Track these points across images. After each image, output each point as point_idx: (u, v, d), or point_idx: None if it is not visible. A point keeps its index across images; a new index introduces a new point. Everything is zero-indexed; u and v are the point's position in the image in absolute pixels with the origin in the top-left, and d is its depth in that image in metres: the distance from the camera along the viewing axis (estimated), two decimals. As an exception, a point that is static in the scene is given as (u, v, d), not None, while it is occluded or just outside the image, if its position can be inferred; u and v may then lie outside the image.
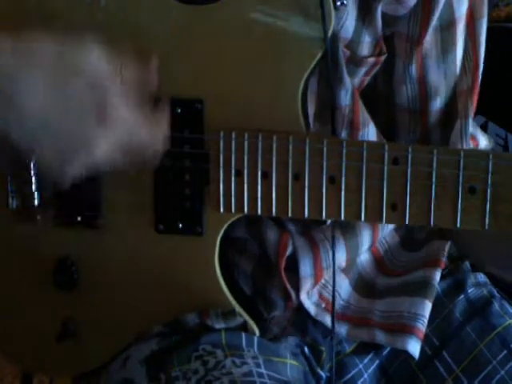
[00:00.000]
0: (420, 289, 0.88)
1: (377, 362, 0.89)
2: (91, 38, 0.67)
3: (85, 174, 0.69)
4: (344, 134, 0.84)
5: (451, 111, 0.89)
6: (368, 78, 0.88)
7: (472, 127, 0.89)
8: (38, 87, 0.65)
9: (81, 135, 0.67)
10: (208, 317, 0.80)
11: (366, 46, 0.84)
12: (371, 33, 0.83)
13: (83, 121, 0.66)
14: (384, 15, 0.83)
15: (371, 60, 0.85)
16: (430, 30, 0.84)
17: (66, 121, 0.66)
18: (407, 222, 0.73)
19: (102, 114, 0.66)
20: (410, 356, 0.84)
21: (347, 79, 0.82)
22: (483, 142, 0.91)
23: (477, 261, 0.95)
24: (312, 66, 0.75)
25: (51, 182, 0.71)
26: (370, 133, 0.86)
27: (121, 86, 0.68)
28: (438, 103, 0.88)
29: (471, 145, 0.89)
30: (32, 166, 0.82)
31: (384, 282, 0.92)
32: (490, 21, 0.89)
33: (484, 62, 0.89)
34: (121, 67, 0.68)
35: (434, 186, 0.71)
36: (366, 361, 0.89)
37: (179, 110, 0.77)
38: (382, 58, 0.86)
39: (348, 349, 0.89)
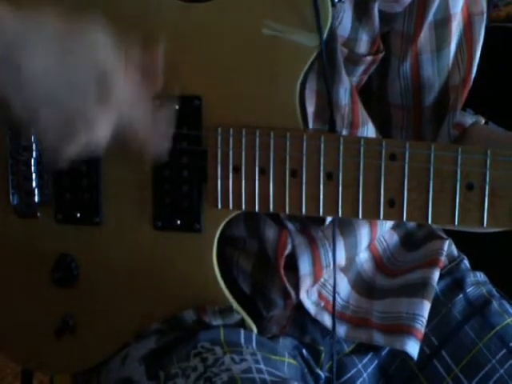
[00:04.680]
0: (419, 289, 0.88)
1: (376, 361, 0.89)
2: (99, 19, 0.67)
3: (83, 153, 0.68)
4: (344, 133, 0.83)
5: (443, 105, 0.89)
6: (366, 77, 0.88)
7: (460, 116, 0.89)
8: (42, 59, 0.65)
9: (81, 111, 0.67)
10: (205, 313, 0.79)
11: (363, 44, 0.84)
12: (368, 31, 0.83)
13: (85, 97, 0.66)
14: (380, 13, 0.83)
15: (369, 58, 0.85)
16: (425, 27, 0.84)
17: (67, 95, 0.66)
18: (405, 219, 0.72)
19: (105, 92, 0.66)
20: (408, 356, 0.84)
21: (346, 78, 0.82)
22: (469, 121, 0.90)
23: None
24: (309, 63, 0.74)
25: (49, 161, 0.70)
26: (369, 131, 0.86)
27: (126, 67, 0.68)
28: (431, 98, 0.89)
29: (456, 132, 0.88)
30: (32, 161, 0.83)
31: (383, 282, 0.92)
32: (490, 21, 0.88)
33: (484, 62, 0.88)
34: (126, 49, 0.68)
35: (431, 183, 0.71)
36: (365, 361, 0.88)
37: (177, 107, 0.77)
38: (380, 55, 0.86)
39: (347, 349, 0.89)
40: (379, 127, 0.90)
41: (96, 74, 0.66)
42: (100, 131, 0.68)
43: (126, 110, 0.68)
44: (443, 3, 0.84)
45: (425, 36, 0.85)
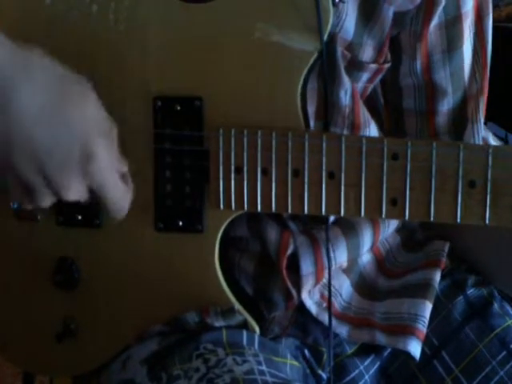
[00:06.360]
0: (420, 290, 0.88)
1: (378, 363, 0.89)
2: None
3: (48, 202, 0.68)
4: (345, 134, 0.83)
5: (460, 116, 0.89)
6: (371, 86, 0.88)
7: (484, 131, 0.89)
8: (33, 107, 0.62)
9: (57, 171, 0.65)
10: (208, 315, 0.79)
11: (368, 51, 0.84)
12: (375, 37, 0.83)
13: (65, 159, 0.65)
14: (394, 14, 0.83)
15: (374, 66, 0.85)
16: (435, 26, 0.84)
17: (48, 152, 0.64)
18: (407, 218, 0.72)
19: (85, 161, 0.65)
20: (410, 357, 0.84)
21: (346, 79, 0.82)
22: (492, 142, 0.90)
23: (485, 277, 0.94)
24: (309, 64, 0.75)
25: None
26: (371, 132, 0.86)
27: (111, 144, 0.68)
28: (445, 105, 0.88)
29: None
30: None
31: (385, 283, 0.92)
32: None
33: (485, 62, 0.88)
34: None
35: (433, 181, 0.71)
36: (366, 363, 0.88)
37: (179, 108, 0.77)
38: (386, 66, 0.85)
39: (349, 350, 0.89)
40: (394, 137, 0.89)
41: (82, 142, 0.65)
42: (70, 194, 0.67)
43: (98, 182, 0.68)
44: (454, 1, 0.83)
45: (436, 35, 0.85)
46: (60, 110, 0.64)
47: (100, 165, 0.66)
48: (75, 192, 0.67)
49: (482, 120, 0.88)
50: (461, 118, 0.88)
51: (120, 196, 0.71)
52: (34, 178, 0.65)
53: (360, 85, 0.86)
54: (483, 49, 0.86)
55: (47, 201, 0.68)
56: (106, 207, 0.71)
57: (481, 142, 0.87)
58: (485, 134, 0.89)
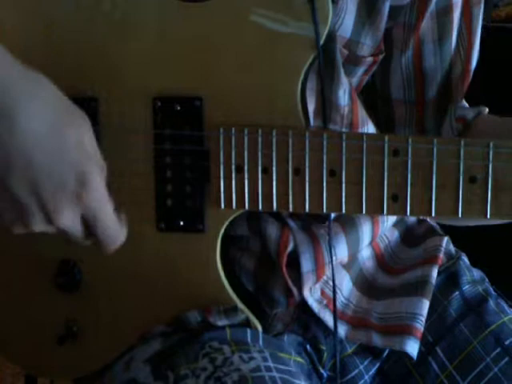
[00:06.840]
0: (418, 288, 0.88)
1: (377, 364, 0.89)
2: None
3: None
4: None
5: (446, 99, 0.90)
6: (366, 78, 0.89)
7: (462, 109, 0.90)
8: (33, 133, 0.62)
9: (54, 196, 0.65)
10: (210, 314, 0.79)
11: (366, 48, 0.84)
12: (373, 35, 0.84)
13: (61, 186, 0.65)
14: (390, 8, 0.84)
15: (369, 59, 0.85)
16: (427, 16, 0.85)
17: (45, 176, 0.64)
18: (408, 214, 0.73)
19: (79, 189, 0.66)
20: (406, 355, 0.84)
21: (345, 79, 0.82)
22: (471, 114, 0.90)
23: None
24: (308, 62, 0.75)
25: None
26: (369, 131, 0.87)
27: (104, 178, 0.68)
28: (434, 91, 0.89)
29: (459, 126, 0.89)
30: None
31: (384, 281, 0.92)
32: (490, 21, 0.90)
33: (484, 62, 0.89)
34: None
35: (434, 177, 0.71)
36: (366, 362, 0.88)
37: (178, 108, 0.77)
38: (381, 56, 0.86)
39: (349, 349, 0.89)
40: (383, 127, 0.90)
41: (77, 169, 0.65)
42: (62, 219, 0.67)
43: (92, 211, 0.68)
44: None
45: (427, 25, 0.86)
46: (60, 136, 0.64)
47: (94, 193, 0.67)
48: (67, 218, 0.67)
49: (461, 101, 0.88)
50: (445, 101, 0.89)
51: (113, 227, 0.71)
52: (28, 200, 0.65)
53: (356, 79, 0.87)
54: (469, 35, 0.87)
55: (39, 225, 0.68)
56: (99, 238, 0.70)
57: (453, 122, 0.88)
58: (463, 112, 0.89)
